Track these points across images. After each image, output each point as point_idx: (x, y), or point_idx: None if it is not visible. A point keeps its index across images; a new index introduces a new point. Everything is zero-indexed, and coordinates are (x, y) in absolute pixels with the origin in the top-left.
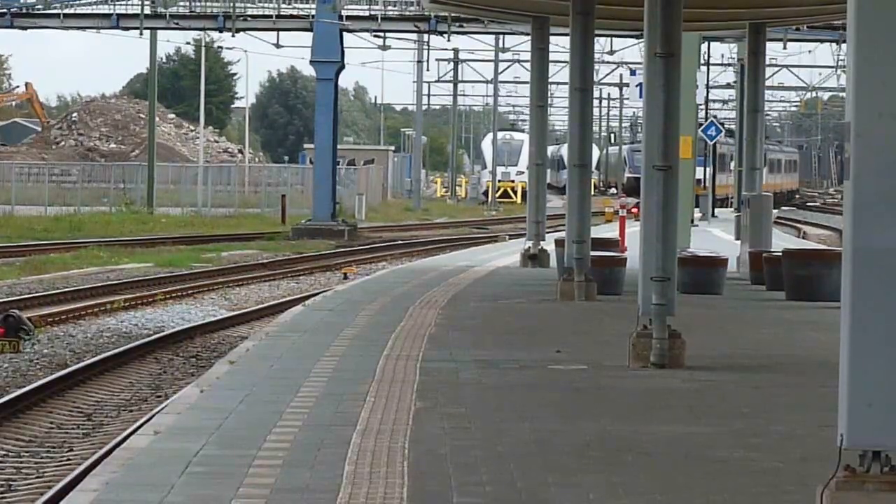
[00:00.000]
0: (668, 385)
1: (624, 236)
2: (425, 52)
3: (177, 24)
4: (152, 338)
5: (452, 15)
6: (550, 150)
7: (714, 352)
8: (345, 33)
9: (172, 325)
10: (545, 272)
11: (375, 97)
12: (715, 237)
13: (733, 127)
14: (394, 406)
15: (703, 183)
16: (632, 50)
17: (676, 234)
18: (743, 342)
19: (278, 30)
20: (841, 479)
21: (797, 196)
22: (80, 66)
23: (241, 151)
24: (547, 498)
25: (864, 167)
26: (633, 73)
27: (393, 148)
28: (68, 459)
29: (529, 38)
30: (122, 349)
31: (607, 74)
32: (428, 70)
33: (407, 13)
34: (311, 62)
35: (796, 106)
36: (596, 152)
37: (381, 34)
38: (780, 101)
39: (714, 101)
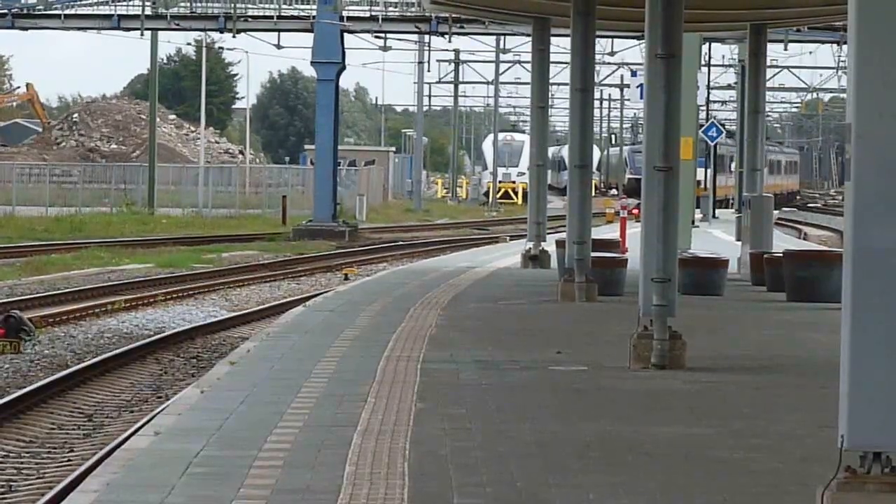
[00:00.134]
0: (668, 386)
1: (625, 237)
2: (426, 53)
3: (178, 24)
4: (153, 338)
5: (453, 16)
6: (551, 151)
7: (715, 353)
8: (346, 34)
9: (173, 325)
10: (546, 273)
11: (376, 98)
12: (716, 238)
13: (734, 128)
14: (394, 407)
15: (704, 184)
16: (633, 51)
17: (677, 235)
18: (744, 343)
19: (279, 30)
20: (841, 480)
21: (798, 197)
22: (81, 66)
23: (241, 152)
24: (547, 498)
25: (864, 168)
26: (633, 74)
27: (394, 149)
28: (69, 460)
29: (530, 38)
30: (122, 350)
31: (608, 75)
32: (429, 71)
33: (408, 14)
34: (312, 63)
35: (797, 107)
36: (597, 153)
37: (382, 35)
38: (781, 102)
39: (715, 102)
